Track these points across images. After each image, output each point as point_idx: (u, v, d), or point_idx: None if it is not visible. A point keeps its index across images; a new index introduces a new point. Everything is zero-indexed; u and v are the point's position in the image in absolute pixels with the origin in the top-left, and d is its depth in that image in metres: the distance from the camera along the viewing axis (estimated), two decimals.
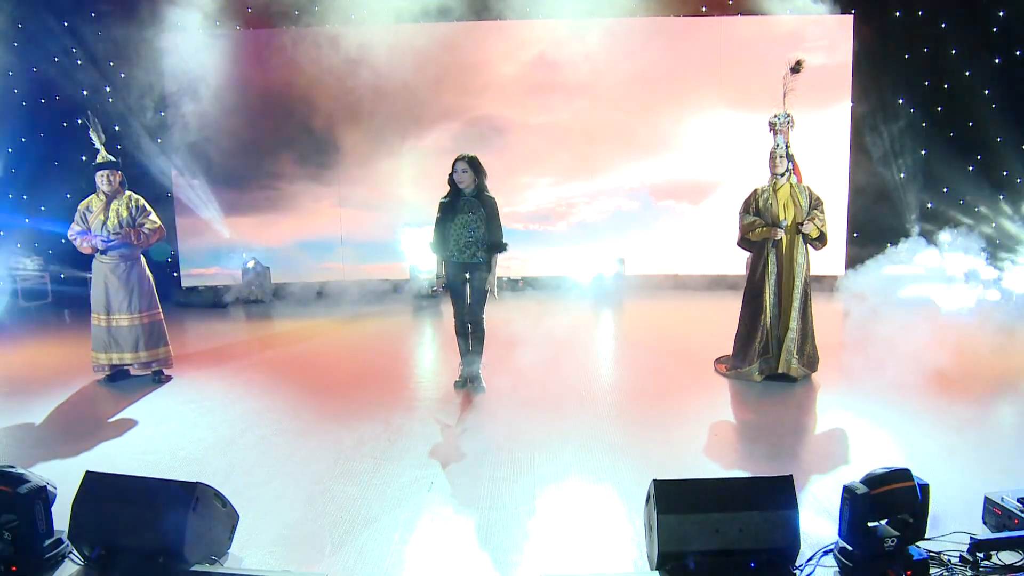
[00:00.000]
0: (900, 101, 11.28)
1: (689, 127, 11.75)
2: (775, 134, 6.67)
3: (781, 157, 6.60)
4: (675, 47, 11.57)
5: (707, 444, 5.35)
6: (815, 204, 6.62)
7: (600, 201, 12.01)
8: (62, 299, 11.61)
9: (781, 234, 6.55)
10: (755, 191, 6.79)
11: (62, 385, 7.07)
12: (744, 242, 6.88)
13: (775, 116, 6.66)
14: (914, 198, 11.34)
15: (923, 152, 11.27)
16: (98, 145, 7.10)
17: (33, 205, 11.68)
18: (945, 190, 11.28)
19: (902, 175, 11.33)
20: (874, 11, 11.15)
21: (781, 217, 6.57)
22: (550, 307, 10.61)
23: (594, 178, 11.97)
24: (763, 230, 6.61)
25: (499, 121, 11.81)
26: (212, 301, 11.15)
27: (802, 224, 6.53)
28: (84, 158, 11.32)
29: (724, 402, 6.36)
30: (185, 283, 11.85)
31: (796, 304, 6.59)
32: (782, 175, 6.64)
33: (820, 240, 6.66)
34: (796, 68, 6.67)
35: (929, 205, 11.34)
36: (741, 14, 11.39)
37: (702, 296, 11.19)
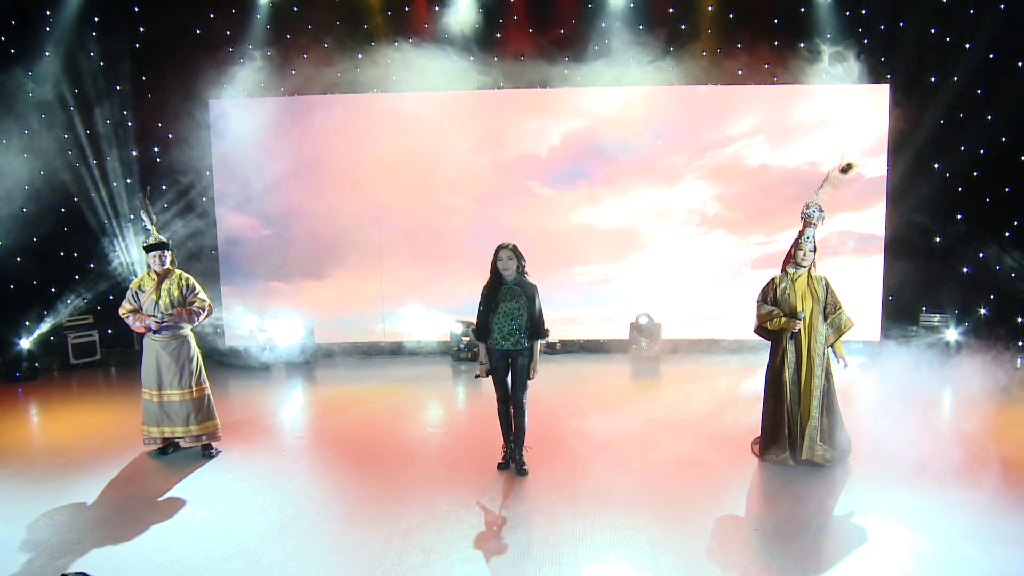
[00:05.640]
0: (936, 166, 11.32)
1: (738, 190, 11.86)
2: (805, 225, 6.69)
3: (810, 251, 6.68)
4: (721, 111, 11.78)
5: (745, 539, 5.42)
6: (834, 305, 6.68)
7: (640, 263, 12.09)
8: (110, 357, 11.95)
9: (799, 326, 6.60)
10: (772, 280, 6.85)
11: (113, 457, 7.28)
12: (762, 331, 6.93)
13: (809, 208, 6.66)
14: (950, 263, 11.35)
15: (959, 217, 11.30)
16: (150, 226, 7.34)
17: (82, 263, 12.04)
18: (981, 255, 11.29)
19: (938, 239, 11.35)
20: (909, 77, 11.21)
21: (799, 308, 6.63)
22: (587, 375, 10.68)
23: (637, 238, 12.07)
24: (781, 321, 6.67)
25: (540, 188, 11.99)
26: (255, 362, 11.33)
27: (827, 318, 6.65)
28: (132, 217, 11.76)
29: (761, 490, 6.41)
30: (229, 343, 12.03)
31: (816, 392, 6.63)
32: (803, 266, 6.72)
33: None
34: (846, 169, 6.71)
35: (965, 270, 11.35)
36: (776, 79, 11.50)
37: (739, 360, 11.15)
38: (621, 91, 11.60)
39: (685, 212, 11.94)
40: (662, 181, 11.85)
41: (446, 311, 11.80)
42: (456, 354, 11.48)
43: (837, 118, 11.38)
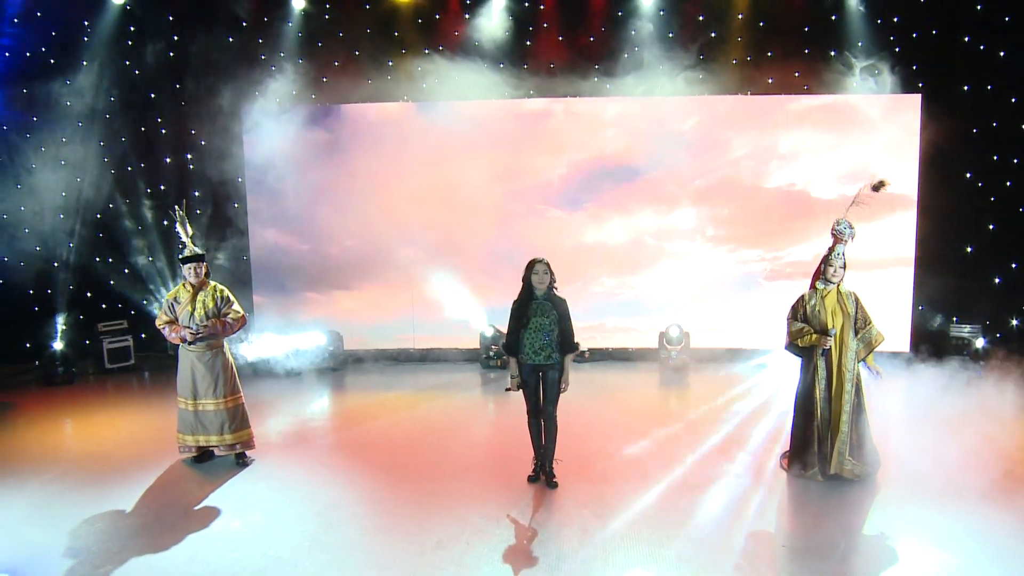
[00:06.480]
0: (968, 175, 11.24)
1: (760, 203, 11.85)
2: (836, 242, 6.68)
3: (840, 268, 6.68)
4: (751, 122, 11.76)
5: (773, 556, 5.43)
6: (864, 320, 6.67)
7: (666, 272, 12.12)
8: (144, 362, 12.18)
9: (830, 343, 6.59)
10: (802, 297, 6.84)
11: (150, 464, 7.43)
12: (792, 347, 6.91)
13: (840, 225, 6.66)
14: (982, 273, 11.26)
15: (991, 227, 11.20)
16: (185, 239, 7.46)
17: (118, 268, 12.25)
18: (1014, 266, 11.19)
19: (969, 250, 11.27)
20: (942, 87, 11.15)
21: (830, 325, 6.62)
22: (616, 385, 10.72)
23: (664, 250, 12.11)
24: (812, 338, 6.66)
25: (573, 198, 12.09)
26: (286, 368, 11.45)
27: (857, 333, 6.63)
28: (166, 223, 11.93)
29: (789, 506, 6.41)
30: (260, 351, 12.10)
31: (846, 407, 6.63)
32: (833, 283, 6.71)
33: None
34: (877, 187, 6.69)
35: (997, 281, 11.25)
36: (807, 87, 11.45)
37: (763, 370, 11.10)
38: (648, 103, 11.67)
39: (704, 225, 12.02)
40: (684, 196, 11.93)
41: (477, 313, 11.89)
42: (485, 361, 11.55)
43: (869, 128, 11.33)
